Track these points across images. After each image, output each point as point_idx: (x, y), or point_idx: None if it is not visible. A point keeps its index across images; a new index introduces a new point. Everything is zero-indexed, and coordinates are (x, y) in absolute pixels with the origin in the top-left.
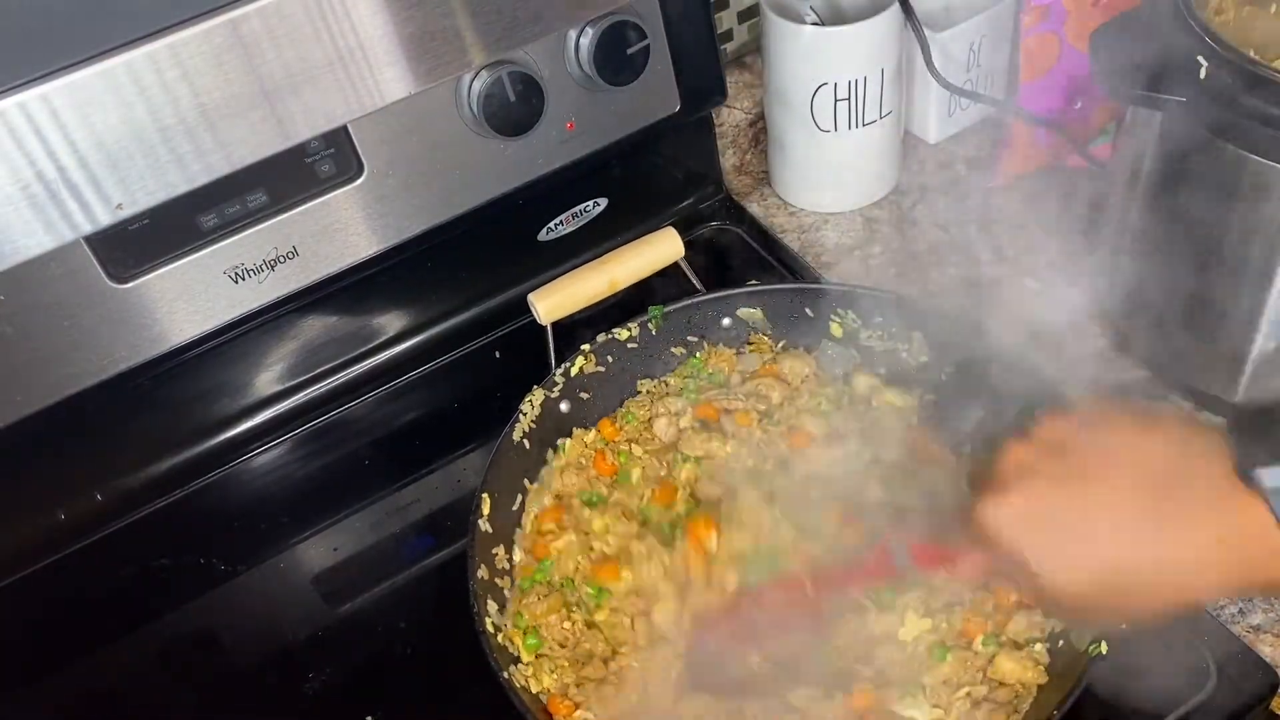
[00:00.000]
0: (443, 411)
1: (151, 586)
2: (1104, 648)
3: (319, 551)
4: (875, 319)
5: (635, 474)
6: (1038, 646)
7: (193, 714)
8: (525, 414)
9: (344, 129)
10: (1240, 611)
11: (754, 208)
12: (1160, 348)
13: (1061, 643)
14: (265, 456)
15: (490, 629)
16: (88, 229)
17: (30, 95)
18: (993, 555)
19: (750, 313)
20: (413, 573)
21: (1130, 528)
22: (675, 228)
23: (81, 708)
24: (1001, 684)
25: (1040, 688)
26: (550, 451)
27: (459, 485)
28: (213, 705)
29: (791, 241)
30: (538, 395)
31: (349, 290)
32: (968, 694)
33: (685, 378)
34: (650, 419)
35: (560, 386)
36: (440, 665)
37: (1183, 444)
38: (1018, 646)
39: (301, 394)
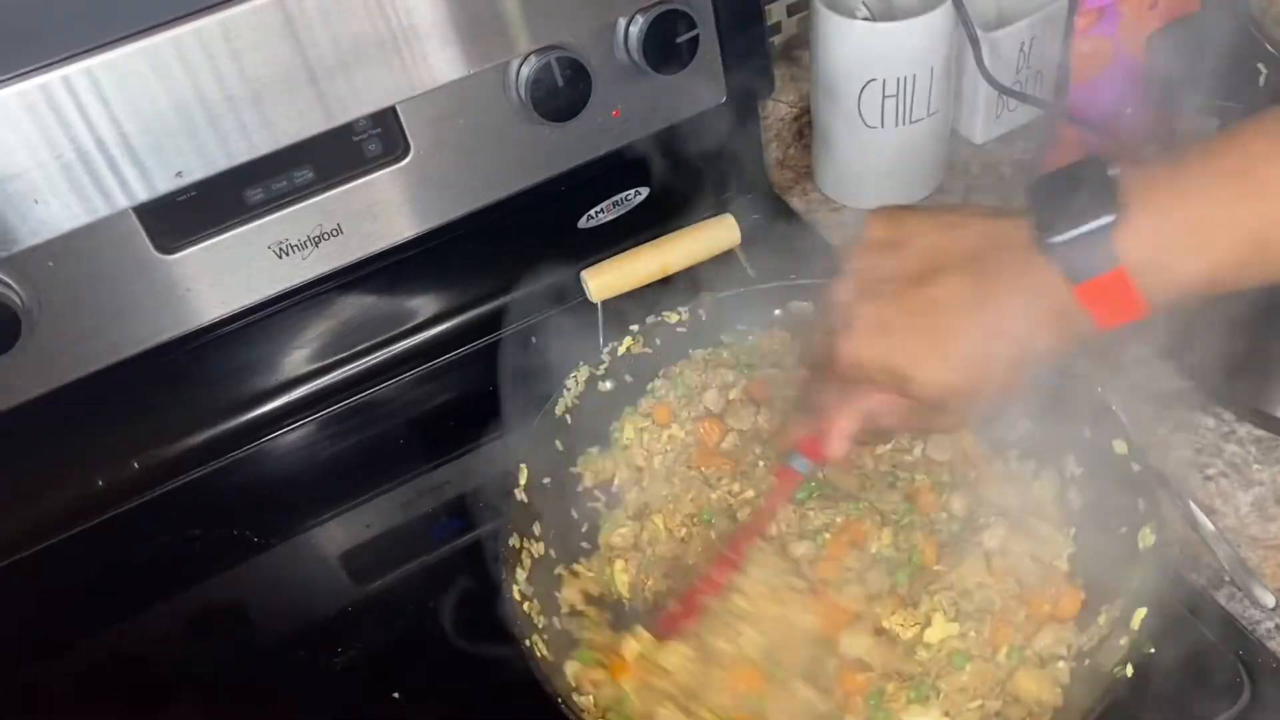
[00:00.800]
0: (478, 394)
1: (184, 556)
2: (1129, 670)
3: (351, 528)
4: None
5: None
6: (1061, 664)
7: (221, 683)
8: (569, 389)
9: (392, 109)
10: (1277, 627)
11: (796, 202)
12: (1211, 362)
13: (1088, 661)
14: (300, 432)
15: (517, 596)
16: (139, 198)
17: (96, 62)
18: (859, 394)
19: (802, 306)
20: (443, 553)
21: (968, 311)
22: None
23: (111, 672)
24: (1016, 700)
25: (1056, 710)
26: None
27: (492, 468)
28: (240, 675)
29: (834, 238)
30: (583, 372)
31: (389, 270)
32: (981, 706)
33: (740, 354)
34: (702, 388)
35: (606, 365)
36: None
37: (989, 227)
38: (1041, 663)
39: (338, 371)
